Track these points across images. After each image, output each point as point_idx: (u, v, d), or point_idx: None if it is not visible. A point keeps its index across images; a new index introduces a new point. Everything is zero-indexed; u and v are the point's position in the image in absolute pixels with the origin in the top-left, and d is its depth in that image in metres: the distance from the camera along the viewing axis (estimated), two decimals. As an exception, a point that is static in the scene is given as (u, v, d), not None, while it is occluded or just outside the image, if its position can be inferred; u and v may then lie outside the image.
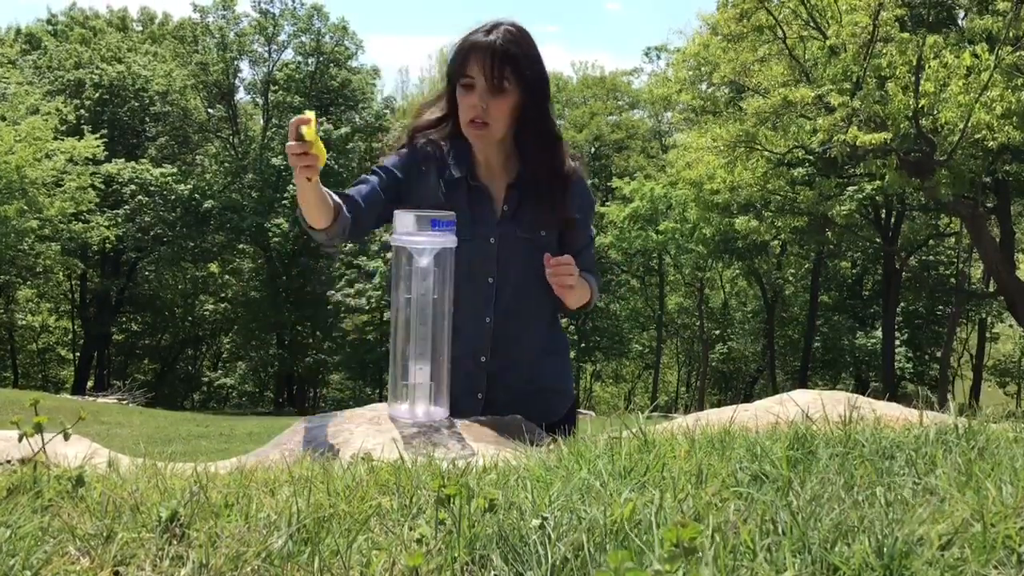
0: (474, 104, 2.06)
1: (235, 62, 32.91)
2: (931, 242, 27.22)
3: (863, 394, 2.32)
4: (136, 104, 30.32)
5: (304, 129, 1.82)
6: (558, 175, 2.17)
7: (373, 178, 2.16)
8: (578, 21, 78.12)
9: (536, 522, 1.07)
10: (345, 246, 29.77)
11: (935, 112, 14.01)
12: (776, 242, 25.49)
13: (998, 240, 17.77)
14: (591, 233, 2.30)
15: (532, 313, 2.20)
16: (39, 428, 1.49)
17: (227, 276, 32.89)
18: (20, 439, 1.48)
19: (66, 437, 1.54)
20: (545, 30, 74.96)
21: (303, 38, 32.83)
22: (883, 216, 24.94)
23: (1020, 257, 20.55)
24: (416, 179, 2.16)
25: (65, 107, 25.79)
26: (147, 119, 31.33)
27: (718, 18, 17.20)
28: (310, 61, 32.72)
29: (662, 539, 0.94)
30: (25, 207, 21.88)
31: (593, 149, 34.11)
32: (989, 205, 18.24)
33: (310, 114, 1.84)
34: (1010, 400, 31.28)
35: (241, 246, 32.28)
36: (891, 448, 1.41)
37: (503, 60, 2.04)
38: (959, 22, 17.72)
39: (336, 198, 2.01)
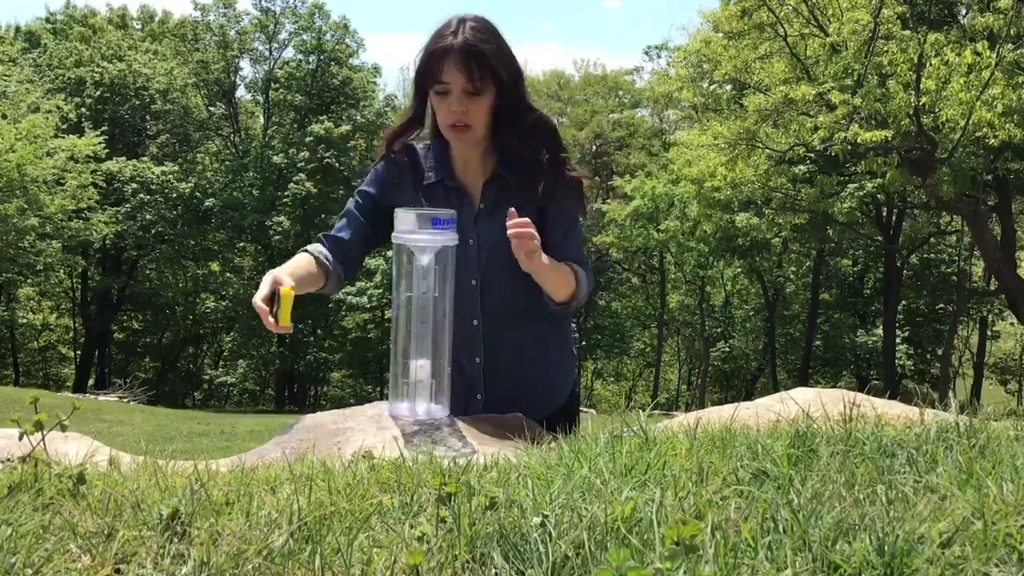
0: (453, 109, 2.03)
1: (236, 60, 32.92)
2: (932, 240, 27.21)
3: (864, 392, 2.32)
4: (137, 102, 30.33)
5: (280, 314, 1.84)
6: (542, 158, 2.12)
7: (354, 209, 2.19)
8: (574, 19, 78.02)
9: (537, 520, 1.07)
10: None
11: (936, 110, 14.00)
12: (777, 240, 25.48)
13: (999, 238, 17.75)
14: (575, 218, 2.19)
15: (522, 312, 2.15)
16: (39, 426, 1.49)
17: (228, 274, 32.93)
18: (20, 437, 1.48)
19: (63, 429, 1.54)
20: (541, 28, 74.95)
21: (304, 36, 32.83)
22: (884, 214, 24.93)
23: (1021, 255, 20.53)
24: (392, 191, 2.16)
25: (66, 105, 25.80)
26: (148, 117, 31.35)
27: (719, 15, 17.18)
28: (311, 59, 32.72)
29: (663, 537, 0.94)
30: (26, 205, 21.91)
31: (594, 147, 34.11)
32: (990, 203, 18.22)
33: (288, 293, 1.84)
34: (1011, 398, 31.31)
35: (242, 244, 32.32)
36: (892, 446, 1.41)
37: (477, 61, 2.00)
38: (960, 20, 17.70)
39: (321, 256, 2.08)
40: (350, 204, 2.20)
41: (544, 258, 1.97)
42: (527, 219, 1.91)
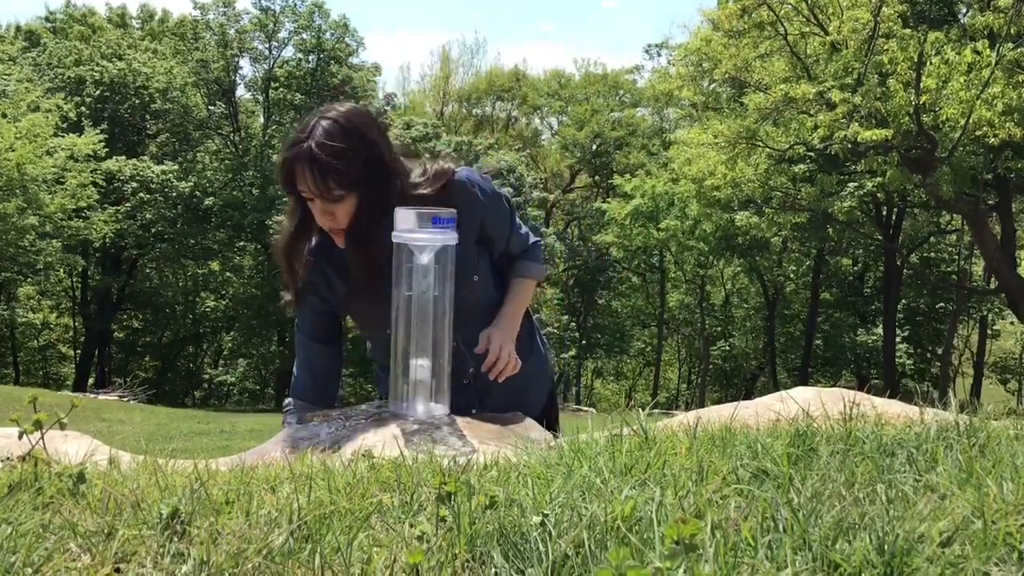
0: (321, 217, 1.98)
1: (235, 59, 32.89)
2: (932, 239, 27.21)
3: (864, 392, 2.32)
4: (137, 101, 30.31)
5: None
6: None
7: (312, 342, 2.21)
8: (574, 19, 77.90)
9: (537, 519, 1.07)
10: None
11: (936, 109, 14.02)
12: (777, 239, 25.48)
13: (999, 237, 17.75)
14: (510, 225, 2.18)
15: None
16: (39, 425, 1.49)
17: (228, 273, 32.91)
18: (20, 436, 1.48)
19: (62, 428, 1.54)
20: (541, 28, 74.91)
21: (304, 35, 32.81)
22: (884, 213, 24.93)
23: (1021, 254, 20.52)
24: (333, 295, 2.14)
25: (66, 104, 25.80)
26: (148, 116, 31.33)
27: (719, 14, 17.18)
28: (311, 58, 32.71)
29: (663, 536, 0.94)
30: (25, 204, 21.90)
31: (594, 146, 34.14)
32: (990, 202, 18.22)
33: None
34: (1011, 397, 31.31)
35: (242, 243, 32.28)
36: (892, 445, 1.41)
37: (323, 171, 1.88)
38: (960, 18, 17.70)
39: (312, 393, 2.25)
40: (299, 341, 2.23)
41: (514, 328, 2.12)
42: (492, 353, 2.05)
